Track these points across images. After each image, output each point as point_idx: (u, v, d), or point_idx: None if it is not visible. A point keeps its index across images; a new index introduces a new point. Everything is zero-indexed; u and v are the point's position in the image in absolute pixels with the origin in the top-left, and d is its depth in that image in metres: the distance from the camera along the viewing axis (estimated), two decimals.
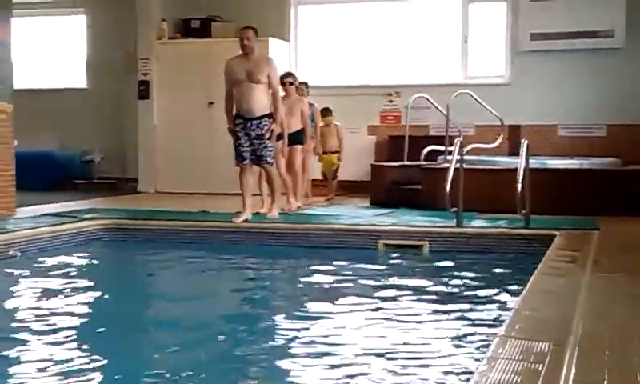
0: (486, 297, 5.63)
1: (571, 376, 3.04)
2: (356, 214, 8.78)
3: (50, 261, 6.94)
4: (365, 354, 4.25)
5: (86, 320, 5.18)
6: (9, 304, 5.54)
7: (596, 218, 8.00)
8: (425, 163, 10.13)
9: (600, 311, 4.26)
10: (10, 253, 6.88)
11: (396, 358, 4.17)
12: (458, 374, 3.89)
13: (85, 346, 4.45)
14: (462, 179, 7.75)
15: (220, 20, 12.31)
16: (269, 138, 8.02)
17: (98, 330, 4.87)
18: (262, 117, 8.01)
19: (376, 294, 5.76)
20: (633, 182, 9.12)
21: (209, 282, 6.62)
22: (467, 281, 6.26)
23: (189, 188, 11.73)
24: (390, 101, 12.05)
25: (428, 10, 12.18)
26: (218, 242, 7.73)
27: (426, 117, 11.27)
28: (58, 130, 13.32)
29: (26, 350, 4.36)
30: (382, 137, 11.98)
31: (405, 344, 4.45)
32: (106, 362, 4.18)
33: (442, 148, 10.15)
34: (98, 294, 6.01)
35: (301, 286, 6.35)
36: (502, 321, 4.01)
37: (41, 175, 12.35)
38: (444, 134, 10.27)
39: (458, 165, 7.72)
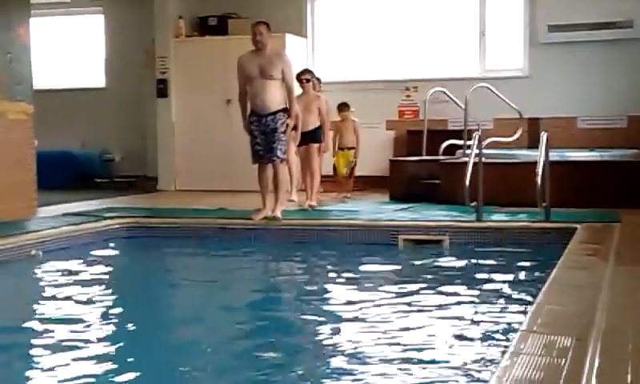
0: (507, 291, 5.62)
1: (594, 371, 3.03)
2: (375, 210, 8.77)
3: (72, 260, 6.98)
4: (387, 349, 4.25)
5: (108, 319, 5.21)
6: (31, 303, 5.59)
7: (617, 211, 7.94)
8: (444, 158, 10.10)
9: (623, 304, 4.23)
10: (32, 252, 6.93)
11: (418, 352, 4.17)
12: (480, 369, 3.89)
13: (107, 345, 4.49)
14: (481, 173, 7.72)
15: (237, 17, 12.31)
16: (283, 132, 7.88)
17: (121, 329, 4.90)
18: (276, 112, 7.87)
19: (396, 290, 5.76)
20: None
21: (229, 279, 6.64)
22: (488, 275, 6.25)
23: (208, 185, 11.76)
24: (408, 95, 12.02)
25: (445, 3, 12.13)
26: (238, 240, 7.75)
27: (444, 111, 11.23)
28: (78, 130, 13.41)
29: (49, 347, 4.39)
30: (400, 132, 11.96)
31: (426, 338, 4.45)
32: (128, 359, 4.21)
33: (461, 142, 10.11)
34: (120, 292, 6.05)
35: (321, 282, 6.36)
36: (524, 315, 4.00)
37: (61, 174, 12.44)
38: (462, 128, 10.23)
39: (477, 159, 7.69)
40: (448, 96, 10.74)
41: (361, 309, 5.27)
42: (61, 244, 7.31)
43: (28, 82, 9.11)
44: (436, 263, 6.80)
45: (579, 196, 8.54)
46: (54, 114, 12.69)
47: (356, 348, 4.32)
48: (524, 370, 3.02)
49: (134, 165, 13.22)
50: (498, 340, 4.33)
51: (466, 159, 7.83)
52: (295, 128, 8.48)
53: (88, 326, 4.89)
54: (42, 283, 6.24)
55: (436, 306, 5.26)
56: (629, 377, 2.97)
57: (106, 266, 7.06)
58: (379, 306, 5.31)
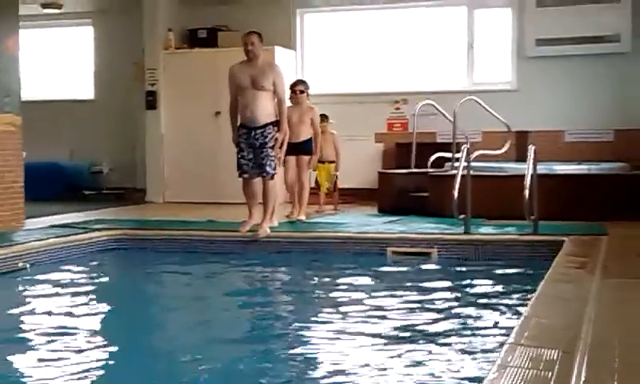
0: (494, 304, 5.62)
1: (581, 383, 3.04)
2: (364, 222, 8.78)
3: (59, 272, 6.96)
4: (373, 362, 4.25)
5: (95, 332, 5.19)
6: (18, 316, 5.56)
7: (605, 224, 7.98)
8: (432, 170, 10.13)
9: (610, 317, 4.25)
10: (20, 264, 6.89)
11: (403, 366, 4.17)
12: (467, 382, 3.89)
13: (94, 358, 4.47)
14: (470, 186, 7.75)
15: (226, 29, 12.34)
16: (272, 147, 7.77)
17: (108, 342, 4.88)
18: (265, 125, 7.75)
19: (385, 302, 5.76)
20: None
21: (218, 291, 6.63)
22: (476, 288, 6.26)
23: (197, 197, 11.76)
24: (397, 108, 12.06)
25: (433, 16, 12.20)
26: (226, 251, 7.73)
27: (432, 124, 11.26)
28: (66, 141, 13.38)
29: (35, 360, 4.37)
30: (389, 144, 11.99)
31: (413, 351, 4.45)
32: (115, 372, 4.19)
33: (450, 155, 10.14)
34: (108, 304, 6.03)
35: (309, 294, 6.35)
36: (511, 328, 4.01)
37: (50, 186, 12.40)
38: (451, 140, 10.26)
39: (466, 171, 7.73)
40: (437, 109, 10.77)
41: (347, 320, 5.27)
42: (48, 256, 7.28)
43: (16, 93, 9.10)
44: (424, 276, 6.81)
45: (567, 209, 8.59)
46: (42, 125, 12.67)
47: (341, 360, 4.31)
48: (511, 383, 3.03)
49: (122, 177, 13.20)
50: (485, 352, 4.34)
51: (455, 172, 7.85)
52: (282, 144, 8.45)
53: (75, 337, 4.87)
54: (28, 295, 6.21)
55: (422, 318, 5.27)
56: None
57: (94, 278, 7.03)
58: (366, 317, 5.31)
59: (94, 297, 6.18)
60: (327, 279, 6.80)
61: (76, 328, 5.14)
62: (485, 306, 5.56)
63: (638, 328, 4.05)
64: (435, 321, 5.19)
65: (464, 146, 8.01)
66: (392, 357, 4.35)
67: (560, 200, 8.68)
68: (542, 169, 8.30)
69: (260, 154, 7.78)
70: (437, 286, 6.40)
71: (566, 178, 9.34)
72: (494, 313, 5.37)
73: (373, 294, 6.11)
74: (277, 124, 7.85)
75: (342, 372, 4.10)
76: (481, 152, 9.99)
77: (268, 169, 7.78)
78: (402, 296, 5.96)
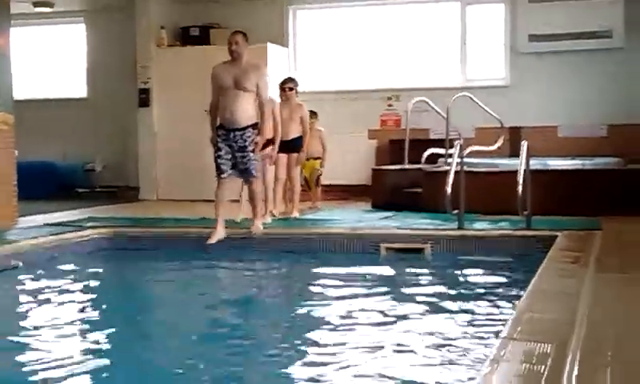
0: (488, 299, 5.63)
1: (574, 377, 3.04)
2: (358, 218, 8.78)
3: (53, 270, 6.94)
4: (367, 358, 4.25)
5: (88, 330, 5.17)
6: (10, 314, 5.54)
7: (598, 218, 7.99)
8: (426, 166, 10.13)
9: (602, 312, 4.26)
10: (12, 263, 6.87)
11: (397, 361, 4.17)
12: (460, 376, 3.89)
13: (87, 356, 4.46)
14: (463, 182, 7.75)
15: (219, 27, 12.32)
16: (252, 151, 7.60)
17: (100, 340, 4.87)
18: (245, 127, 7.58)
19: (378, 298, 5.76)
20: (634, 182, 9.11)
21: (211, 288, 6.62)
22: (469, 283, 6.27)
23: (190, 195, 11.73)
24: (390, 105, 12.06)
25: (426, 12, 12.20)
26: (219, 249, 7.71)
27: (426, 120, 11.26)
28: (59, 140, 13.34)
29: (27, 358, 4.35)
30: (382, 141, 11.99)
31: (407, 347, 4.45)
32: (106, 370, 4.18)
33: (443, 151, 10.14)
34: (101, 302, 6.01)
35: (303, 291, 6.35)
36: (505, 322, 4.01)
37: (43, 185, 12.37)
38: (444, 137, 10.26)
39: (459, 167, 7.72)
40: (430, 105, 10.76)
41: (341, 316, 5.26)
42: (41, 254, 7.26)
43: (8, 92, 9.07)
44: (417, 271, 6.81)
45: (560, 204, 8.59)
46: (35, 124, 12.64)
47: (335, 354, 4.31)
48: (504, 377, 3.03)
49: (115, 175, 13.17)
50: (478, 347, 4.34)
51: (448, 168, 7.85)
52: (273, 142, 8.43)
53: (67, 335, 4.86)
54: (21, 293, 6.19)
55: (417, 313, 5.27)
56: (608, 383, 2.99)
57: (87, 275, 7.01)
58: (359, 313, 5.31)
59: (86, 295, 6.17)
60: (320, 275, 6.79)
61: (69, 326, 5.13)
62: (478, 301, 5.56)
63: (631, 323, 4.05)
64: (428, 316, 5.20)
65: (457, 142, 8.01)
66: (385, 351, 4.35)
67: (553, 195, 8.69)
68: (536, 164, 8.32)
69: (242, 158, 7.61)
70: (430, 281, 6.40)
71: (560, 174, 9.35)
72: (487, 307, 5.37)
73: (366, 289, 6.11)
74: (257, 126, 7.66)
75: (334, 367, 4.10)
76: (474, 148, 9.98)
77: (253, 172, 7.66)
78: (395, 291, 5.96)
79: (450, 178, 7.45)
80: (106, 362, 4.37)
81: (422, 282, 6.37)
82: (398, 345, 4.50)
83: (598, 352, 3.40)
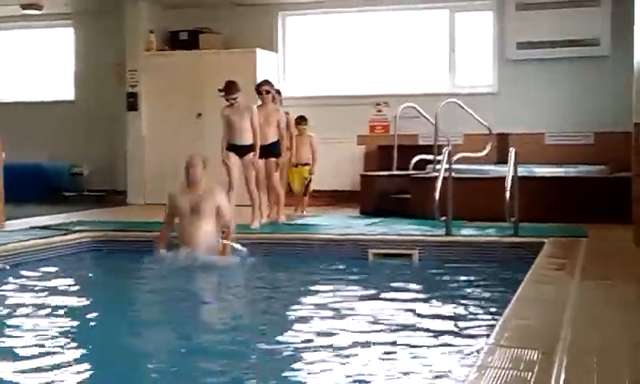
0: (474, 305, 5.64)
1: (560, 383, 3.05)
2: (346, 224, 8.79)
3: (39, 274, 6.91)
4: (354, 364, 4.25)
5: (73, 333, 5.15)
6: None
7: (584, 226, 8.04)
8: (414, 172, 10.16)
9: (589, 318, 4.28)
10: None
11: (384, 368, 4.17)
12: (447, 383, 3.90)
13: (71, 359, 4.43)
14: (451, 188, 7.78)
15: (208, 32, 12.32)
16: None
17: (85, 342, 4.85)
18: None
19: (365, 303, 5.77)
20: (620, 190, 9.14)
21: (197, 293, 6.61)
22: (456, 289, 6.28)
23: None
24: (379, 111, 12.09)
25: (415, 19, 12.23)
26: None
27: (414, 126, 11.29)
28: (46, 143, 13.28)
29: (12, 361, 4.33)
30: (371, 146, 12.00)
31: (394, 353, 4.46)
32: (91, 373, 4.17)
33: (431, 157, 10.18)
34: (87, 306, 5.99)
35: (290, 295, 6.34)
36: (492, 329, 4.02)
37: (30, 188, 12.32)
38: (433, 143, 10.30)
39: (447, 174, 7.75)
40: (418, 111, 10.80)
41: (326, 323, 5.27)
42: (28, 257, 7.23)
43: None
44: (405, 277, 6.82)
45: (547, 211, 8.64)
46: (22, 126, 12.59)
47: (319, 360, 4.31)
48: None
49: (103, 178, 13.13)
50: (465, 354, 4.35)
51: (436, 174, 7.88)
52: (254, 148, 8.43)
53: (52, 338, 4.84)
54: (7, 297, 6.16)
55: (403, 319, 5.28)
56: None
57: (73, 279, 6.99)
58: (345, 318, 5.31)
59: (72, 298, 6.15)
60: (308, 281, 6.78)
61: (54, 329, 5.11)
62: (465, 307, 5.57)
63: (617, 329, 4.08)
64: (415, 322, 5.20)
65: (445, 148, 8.04)
66: (371, 358, 4.35)
67: (540, 202, 8.73)
68: (523, 171, 8.35)
69: None
70: (418, 287, 6.41)
71: (547, 181, 9.40)
72: (474, 314, 5.38)
73: (353, 295, 6.11)
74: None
75: (320, 373, 4.10)
76: (462, 154, 10.04)
77: None
78: (382, 297, 5.96)
79: (439, 184, 7.47)
80: (89, 365, 4.35)
81: (409, 288, 6.37)
82: (384, 351, 4.50)
83: (584, 358, 3.42)
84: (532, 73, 11.51)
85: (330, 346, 4.63)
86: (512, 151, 7.70)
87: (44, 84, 13.87)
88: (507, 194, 7.31)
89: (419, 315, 5.36)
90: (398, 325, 5.12)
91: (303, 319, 5.44)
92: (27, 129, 12.94)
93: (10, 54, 13.05)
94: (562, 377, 3.13)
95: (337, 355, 4.43)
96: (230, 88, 8.50)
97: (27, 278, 6.75)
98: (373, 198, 10.13)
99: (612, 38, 11.07)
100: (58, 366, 4.24)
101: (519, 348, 3.50)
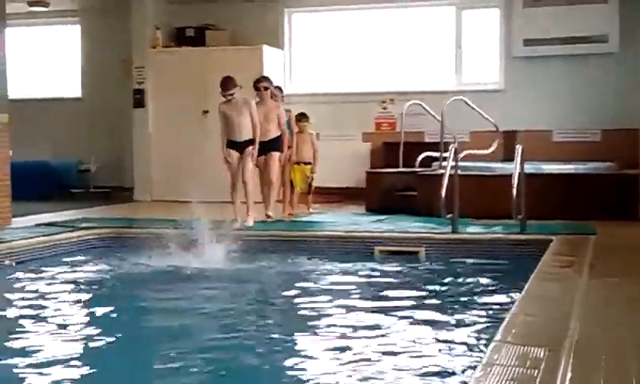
0: (481, 303, 5.64)
1: (567, 381, 3.05)
2: (352, 221, 8.78)
3: (46, 271, 6.92)
4: (359, 361, 4.25)
5: (80, 330, 5.16)
6: (2, 314, 5.53)
7: (592, 223, 8.01)
8: (420, 170, 10.14)
9: (596, 316, 4.27)
10: (6, 263, 6.86)
11: (391, 365, 4.17)
12: (453, 379, 3.89)
13: (78, 356, 4.45)
14: (457, 185, 7.76)
15: (214, 28, 12.32)
16: None
17: (91, 340, 4.86)
18: None
19: (372, 301, 5.76)
20: (628, 187, 9.13)
21: (204, 289, 6.61)
22: (463, 287, 6.27)
23: (184, 196, 11.67)
24: (385, 108, 12.07)
25: (421, 17, 12.22)
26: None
27: (420, 123, 11.27)
28: (53, 140, 13.31)
29: (19, 358, 4.34)
30: (376, 144, 11.99)
31: (400, 350, 4.45)
32: (97, 371, 4.18)
33: (437, 154, 10.14)
34: (94, 303, 6.00)
35: (296, 292, 6.33)
36: (498, 326, 4.01)
37: (37, 185, 12.35)
38: (439, 140, 10.27)
39: (453, 171, 7.73)
40: (424, 109, 10.78)
41: (333, 318, 5.27)
42: (35, 255, 7.25)
43: (3, 91, 9.05)
44: (411, 274, 6.81)
45: (554, 208, 8.61)
46: (30, 123, 12.62)
47: (326, 357, 4.31)
48: (497, 381, 3.03)
49: (110, 175, 13.15)
50: (471, 351, 4.34)
51: (443, 171, 7.86)
52: (253, 142, 8.37)
53: (59, 335, 4.85)
54: (14, 294, 6.17)
55: (409, 317, 5.27)
56: None
57: (80, 277, 6.99)
58: (352, 315, 5.31)
59: (79, 295, 6.15)
60: (314, 278, 6.78)
61: (61, 326, 5.12)
62: (471, 305, 5.56)
63: (624, 327, 4.06)
64: (421, 319, 5.20)
65: (452, 145, 8.03)
66: (377, 355, 4.34)
67: (548, 200, 8.71)
68: (530, 168, 8.33)
69: None
70: (424, 284, 6.40)
71: (554, 178, 9.37)
72: (480, 311, 5.37)
73: (359, 293, 6.11)
74: None
75: (327, 371, 4.10)
76: (468, 152, 10.01)
77: None
78: (388, 295, 5.96)
79: (445, 182, 7.46)
80: (97, 361, 4.36)
81: (415, 285, 6.36)
82: (391, 348, 4.50)
83: (591, 356, 3.41)
84: (539, 70, 11.48)
85: (335, 343, 4.63)
86: (519, 148, 7.68)
87: (51, 81, 13.91)
88: (514, 192, 7.29)
89: (424, 312, 5.36)
90: (403, 322, 5.11)
91: (307, 316, 5.43)
92: (34, 126, 12.98)
93: (17, 51, 13.06)
94: (569, 374, 3.12)
95: (342, 351, 4.43)
96: (226, 83, 8.41)
97: (34, 275, 6.76)
98: (379, 196, 10.12)
99: (620, 34, 11.03)
100: (62, 362, 4.25)
101: (525, 345, 3.50)
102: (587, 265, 5.83)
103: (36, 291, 6.20)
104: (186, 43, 12.29)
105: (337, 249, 7.58)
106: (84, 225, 8.40)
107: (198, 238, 7.50)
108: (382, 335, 4.81)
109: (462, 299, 5.80)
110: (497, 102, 11.33)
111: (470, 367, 3.88)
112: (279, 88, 9.62)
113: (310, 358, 4.41)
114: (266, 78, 9.18)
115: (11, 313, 5.59)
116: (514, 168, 7.51)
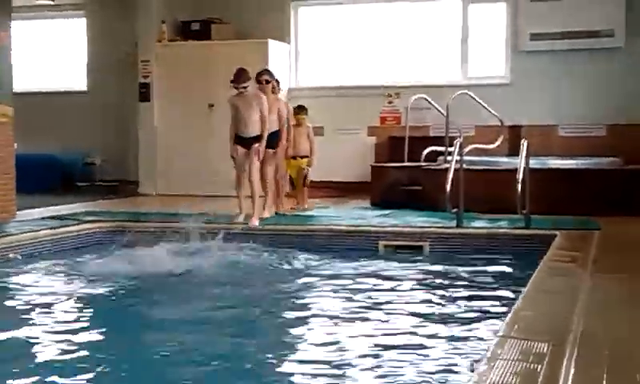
0: (485, 297, 5.64)
1: (570, 376, 3.05)
2: (356, 215, 8.78)
3: (51, 264, 6.94)
4: (364, 355, 4.26)
5: (86, 324, 5.18)
6: (8, 307, 5.55)
7: (596, 218, 8.00)
8: (425, 164, 10.13)
9: (599, 311, 4.27)
10: (11, 256, 6.88)
11: (395, 358, 4.18)
12: (457, 374, 3.90)
13: (84, 349, 4.46)
14: (463, 180, 7.75)
15: (220, 22, 12.31)
16: None
17: (97, 331, 4.88)
18: None
19: (376, 295, 5.77)
20: (633, 182, 9.12)
21: (208, 283, 6.62)
22: (467, 281, 6.27)
23: (189, 190, 11.73)
24: (390, 102, 12.06)
25: (428, 10, 12.19)
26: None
27: (426, 117, 11.27)
28: (59, 133, 13.33)
29: (25, 350, 4.36)
30: (382, 138, 11.98)
31: (405, 344, 4.46)
32: (105, 366, 4.19)
33: (442, 149, 10.13)
34: (99, 297, 6.01)
35: (301, 287, 6.35)
36: (502, 321, 4.02)
37: (42, 178, 12.38)
38: (444, 134, 10.26)
39: (458, 165, 7.73)
40: (430, 103, 10.78)
41: (337, 313, 5.27)
42: (40, 247, 7.27)
43: (8, 84, 9.06)
44: (416, 269, 6.81)
45: (559, 203, 8.59)
46: (35, 116, 12.64)
47: (331, 351, 4.32)
48: (501, 376, 3.03)
49: (115, 169, 13.17)
50: (475, 345, 4.34)
51: (448, 166, 7.86)
52: (261, 138, 8.22)
53: (65, 328, 4.86)
54: (19, 287, 6.19)
55: (413, 311, 5.28)
56: (604, 383, 2.99)
57: (85, 269, 7.00)
58: (357, 310, 5.31)
59: (84, 288, 6.17)
60: (317, 273, 6.79)
61: (66, 320, 5.14)
62: (475, 299, 5.57)
63: (628, 322, 4.06)
64: (425, 314, 5.20)
65: (457, 139, 8.01)
66: (382, 350, 4.35)
67: (552, 194, 8.68)
68: (535, 163, 8.31)
69: None
70: (428, 279, 6.40)
71: (559, 173, 9.35)
72: (484, 306, 5.38)
73: (364, 287, 6.11)
74: None
75: (332, 366, 4.10)
76: (474, 146, 9.98)
77: None
78: (393, 289, 5.96)
79: (450, 176, 7.45)
80: (101, 354, 4.38)
81: (419, 280, 6.37)
82: (395, 341, 4.50)
83: (595, 351, 3.41)
84: (545, 64, 11.45)
85: (339, 338, 4.64)
86: (524, 143, 7.66)
87: (57, 74, 13.93)
88: (519, 186, 7.28)
89: (429, 307, 5.37)
90: (407, 316, 5.12)
91: (308, 310, 5.44)
92: (40, 119, 13.01)
93: (23, 45, 13.07)
94: (573, 369, 3.12)
95: (345, 346, 4.44)
96: (240, 75, 8.25)
97: (39, 267, 6.78)
98: (384, 190, 10.11)
99: (626, 29, 11.00)
100: (67, 355, 4.26)
101: (529, 340, 3.50)
102: (591, 260, 5.82)
103: (41, 284, 6.22)
104: (191, 37, 12.28)
105: (341, 243, 7.58)
106: (89, 218, 8.42)
107: (201, 232, 7.52)
108: (386, 329, 4.82)
109: (466, 294, 5.80)
110: (502, 97, 11.31)
111: (474, 361, 3.88)
112: (277, 81, 9.34)
113: (313, 350, 4.41)
114: (268, 71, 9.05)
115: (16, 305, 5.61)
116: (519, 163, 7.50)
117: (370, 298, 5.70)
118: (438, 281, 6.31)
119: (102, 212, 9.17)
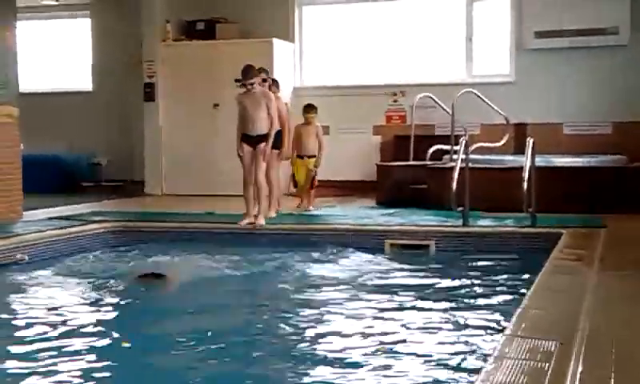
0: (492, 296, 5.63)
1: (577, 375, 3.05)
2: (362, 214, 8.79)
3: (57, 264, 6.96)
4: (370, 354, 4.26)
5: (92, 324, 5.19)
6: (15, 308, 5.56)
7: (602, 216, 7.99)
8: (431, 163, 10.13)
9: (606, 309, 4.26)
10: (18, 256, 6.89)
11: (402, 357, 4.18)
12: (464, 373, 3.90)
13: (90, 350, 4.47)
14: (468, 178, 7.75)
15: (224, 21, 12.32)
16: None
17: (104, 334, 4.88)
18: None
19: (382, 294, 5.76)
20: (639, 180, 9.10)
21: (215, 283, 6.62)
22: (473, 280, 6.27)
23: (195, 190, 11.75)
24: (395, 100, 12.05)
25: (432, 9, 12.18)
26: (225, 244, 7.72)
27: (431, 116, 11.26)
28: (64, 133, 13.37)
29: (32, 352, 4.37)
30: (387, 137, 11.98)
31: (411, 343, 4.46)
32: (112, 365, 4.20)
33: (448, 147, 10.14)
34: (105, 297, 6.02)
35: (307, 286, 6.35)
36: (509, 320, 4.02)
37: (48, 178, 12.40)
38: (449, 133, 10.26)
39: (464, 164, 7.72)
40: (435, 101, 10.77)
41: (345, 311, 5.28)
42: (46, 248, 7.27)
43: (13, 84, 9.07)
44: (422, 268, 6.81)
45: (565, 202, 8.58)
46: (40, 117, 12.66)
47: (337, 350, 4.32)
48: (508, 374, 3.03)
49: (120, 169, 13.19)
50: (482, 344, 4.34)
51: (453, 164, 7.86)
52: (267, 138, 8.10)
53: (72, 329, 4.87)
54: (26, 287, 6.21)
55: (420, 309, 5.28)
56: (612, 381, 2.99)
57: (92, 270, 7.02)
58: (363, 309, 5.32)
59: (90, 289, 6.17)
60: (324, 271, 6.79)
61: (73, 320, 5.15)
62: (482, 298, 5.57)
63: (635, 320, 4.06)
64: (432, 312, 5.20)
65: (462, 138, 8.01)
66: (389, 348, 4.35)
67: (558, 192, 8.67)
68: (541, 161, 8.30)
69: None
70: (435, 277, 6.40)
71: (565, 171, 9.34)
72: (491, 304, 5.37)
73: (370, 286, 6.11)
74: None
75: (337, 364, 4.11)
76: (479, 144, 9.99)
77: None
78: (399, 288, 5.96)
79: (456, 175, 7.45)
80: (107, 354, 4.39)
81: (426, 279, 6.36)
82: (402, 341, 4.51)
83: (602, 349, 3.41)
84: (550, 62, 11.43)
85: (345, 336, 4.64)
86: (530, 141, 7.66)
87: (62, 74, 13.95)
88: (525, 185, 7.27)
89: (436, 306, 5.36)
90: (414, 315, 5.12)
91: (314, 310, 5.44)
92: (45, 119, 13.03)
93: (28, 45, 13.10)
94: (580, 368, 3.12)
95: (352, 344, 4.44)
96: (247, 71, 8.10)
97: (45, 268, 6.79)
98: (389, 189, 10.11)
99: (632, 26, 10.97)
100: (75, 356, 4.27)
101: (536, 338, 3.50)
102: (598, 258, 5.81)
103: (47, 284, 6.23)
104: (196, 37, 12.29)
105: (347, 242, 7.58)
106: (95, 218, 8.43)
107: (207, 232, 7.54)
108: (392, 328, 4.82)
109: (473, 292, 5.80)
110: (507, 95, 11.30)
111: (481, 360, 3.88)
112: (275, 81, 9.30)
113: (317, 348, 4.41)
114: (264, 70, 8.86)
115: (23, 305, 5.63)
116: (524, 161, 7.49)
117: (375, 297, 5.69)
118: (444, 279, 6.31)
119: (109, 212, 9.18)
